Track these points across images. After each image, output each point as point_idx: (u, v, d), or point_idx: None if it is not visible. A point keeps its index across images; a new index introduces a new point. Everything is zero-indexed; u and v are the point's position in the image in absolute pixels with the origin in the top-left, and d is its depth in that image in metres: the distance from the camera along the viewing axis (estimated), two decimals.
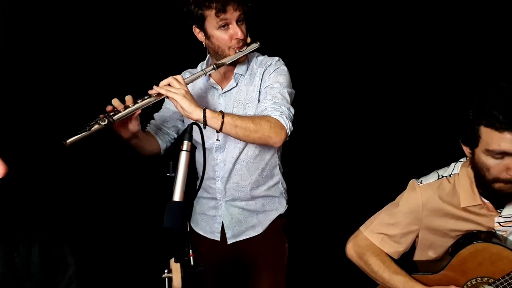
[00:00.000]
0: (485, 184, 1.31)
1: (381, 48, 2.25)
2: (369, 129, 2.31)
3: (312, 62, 2.23)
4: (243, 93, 1.63)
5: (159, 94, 1.43)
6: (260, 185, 1.68)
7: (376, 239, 1.51)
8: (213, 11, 1.47)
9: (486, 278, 1.38)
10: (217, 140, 1.60)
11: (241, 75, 1.63)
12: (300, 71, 1.72)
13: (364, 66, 2.27)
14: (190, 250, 1.20)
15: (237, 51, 1.54)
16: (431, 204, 1.43)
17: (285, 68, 1.62)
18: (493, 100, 1.22)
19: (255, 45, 1.56)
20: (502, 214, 1.38)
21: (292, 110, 1.54)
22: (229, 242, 1.70)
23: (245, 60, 1.63)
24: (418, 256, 1.53)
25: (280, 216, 1.72)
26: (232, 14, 1.49)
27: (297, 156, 2.01)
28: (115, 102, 1.43)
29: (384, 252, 1.50)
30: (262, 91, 1.60)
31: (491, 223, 1.40)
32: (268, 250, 1.70)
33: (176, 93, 1.40)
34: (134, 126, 1.49)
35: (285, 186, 1.76)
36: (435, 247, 1.48)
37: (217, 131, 1.43)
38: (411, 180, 1.50)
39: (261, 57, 1.67)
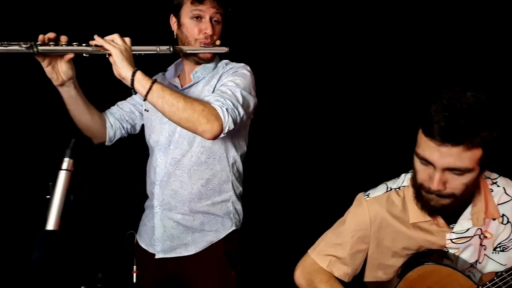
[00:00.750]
0: (417, 189, 1.21)
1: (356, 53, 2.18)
2: (346, 138, 2.21)
3: (277, 67, 2.15)
4: (197, 93, 1.53)
5: (99, 47, 1.34)
6: (203, 198, 1.53)
7: (324, 262, 1.38)
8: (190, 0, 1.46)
9: None
10: (145, 110, 1.49)
11: (203, 76, 1.56)
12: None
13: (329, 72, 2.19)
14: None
15: (202, 45, 1.50)
16: (379, 220, 1.31)
17: (247, 73, 1.51)
18: (439, 100, 1.11)
19: (222, 49, 1.52)
20: (454, 230, 1.27)
21: (241, 111, 1.40)
22: (157, 256, 1.56)
23: (210, 59, 1.56)
24: (368, 277, 1.40)
25: (224, 240, 1.55)
26: (208, 9, 1.48)
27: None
28: (50, 34, 1.34)
29: (334, 279, 1.37)
30: (215, 90, 1.49)
31: (442, 240, 1.28)
32: (205, 277, 1.53)
33: (114, 46, 1.32)
34: (64, 70, 1.39)
35: (237, 207, 1.59)
36: (384, 267, 1.35)
37: (144, 98, 1.33)
38: (359, 194, 1.37)
39: (228, 64, 1.58)
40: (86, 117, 1.54)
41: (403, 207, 1.29)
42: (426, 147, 1.12)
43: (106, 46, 1.32)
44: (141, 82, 1.32)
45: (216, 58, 1.60)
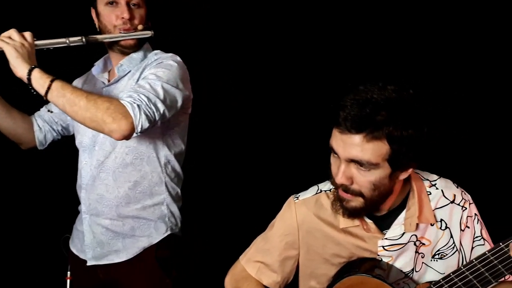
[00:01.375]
0: (335, 188, 1.12)
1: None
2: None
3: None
4: (122, 88, 1.43)
5: None
6: (132, 202, 1.43)
7: (253, 269, 1.28)
8: None
9: None
10: (48, 111, 1.40)
11: (129, 70, 1.45)
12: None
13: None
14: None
15: (122, 32, 1.40)
16: (307, 224, 1.21)
17: (173, 63, 1.39)
18: (348, 96, 1.04)
19: (146, 33, 1.41)
20: (386, 236, 1.16)
21: (160, 107, 1.28)
22: (88, 263, 1.47)
23: (134, 47, 1.44)
24: (302, 286, 1.30)
25: (157, 246, 1.45)
26: None
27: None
28: None
29: (261, 285, 1.27)
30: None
31: (374, 247, 1.17)
32: (137, 283, 1.44)
33: (9, 43, 1.23)
34: None
35: (173, 210, 1.49)
36: (317, 276, 1.24)
37: (43, 98, 1.24)
38: (291, 196, 1.27)
39: (158, 53, 1.47)
40: (7, 122, 1.46)
41: (333, 210, 1.17)
42: (333, 136, 1.05)
43: (0, 44, 1.23)
44: (39, 80, 1.22)
45: (146, 47, 1.49)
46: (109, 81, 1.50)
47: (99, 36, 1.39)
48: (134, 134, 1.26)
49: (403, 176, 1.09)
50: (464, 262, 1.16)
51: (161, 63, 1.38)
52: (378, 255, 1.17)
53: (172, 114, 1.36)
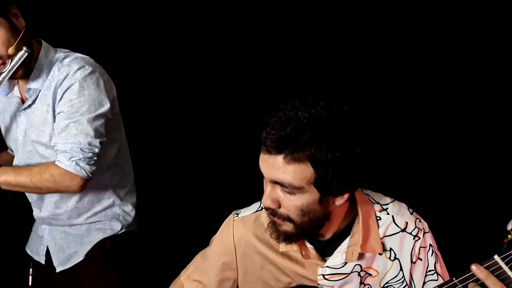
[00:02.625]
0: None
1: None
2: None
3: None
4: (38, 113, 1.35)
5: None
6: (82, 213, 1.43)
7: (190, 287, 1.21)
8: None
9: None
10: (6, 194, 1.35)
11: (39, 89, 1.33)
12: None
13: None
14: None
15: (1, 70, 1.24)
16: (245, 245, 1.13)
17: (88, 83, 1.27)
18: (268, 117, 0.94)
19: (21, 54, 1.23)
20: (328, 264, 1.05)
21: (96, 144, 1.28)
22: (57, 270, 1.47)
23: (24, 72, 1.29)
24: None
25: (105, 239, 1.46)
26: None
27: None
28: None
29: None
30: (56, 116, 1.30)
31: (313, 275, 1.07)
32: (91, 278, 1.45)
33: None
34: None
35: (126, 209, 1.48)
36: None
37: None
38: (233, 212, 1.19)
39: (64, 62, 1.32)
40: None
41: None
42: (260, 157, 0.96)
43: None
44: None
45: (44, 55, 1.32)
46: (22, 99, 1.39)
47: None
48: (90, 179, 1.29)
49: (339, 201, 0.98)
50: None
51: (72, 87, 1.26)
52: (318, 284, 1.07)
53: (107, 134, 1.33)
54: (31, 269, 1.53)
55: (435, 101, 2.01)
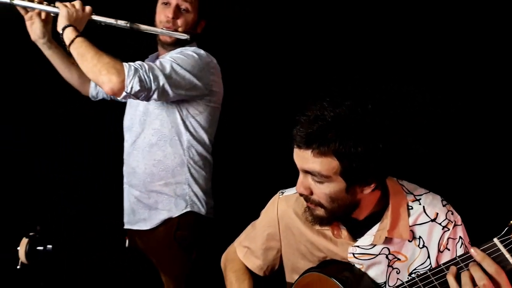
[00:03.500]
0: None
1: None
2: None
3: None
4: None
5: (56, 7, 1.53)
6: (156, 178, 1.60)
7: (241, 252, 1.40)
8: None
9: None
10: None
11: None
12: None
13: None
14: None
15: (163, 28, 1.59)
16: (286, 220, 1.28)
17: (193, 54, 1.54)
18: (299, 115, 1.07)
19: (182, 35, 1.58)
20: (358, 243, 1.16)
21: (161, 79, 1.43)
22: (125, 226, 1.71)
23: (172, 43, 1.62)
24: (287, 278, 1.37)
25: (177, 226, 1.59)
26: None
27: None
28: None
29: (244, 270, 1.38)
30: None
31: (344, 252, 1.18)
32: (159, 253, 1.64)
33: (66, 7, 1.50)
34: (36, 27, 1.59)
35: (196, 190, 1.62)
36: (297, 270, 1.29)
37: (67, 50, 1.48)
38: (279, 191, 1.34)
39: (188, 47, 1.61)
40: (66, 73, 1.74)
41: None
42: (294, 153, 1.09)
43: (59, 6, 1.50)
44: (69, 34, 1.45)
45: (187, 47, 1.61)
46: None
47: (142, 26, 1.57)
48: (124, 93, 1.40)
49: (366, 191, 1.08)
50: None
51: (182, 51, 1.55)
52: (348, 262, 1.18)
53: (181, 95, 1.51)
54: (128, 234, 1.76)
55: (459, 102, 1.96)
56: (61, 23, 1.48)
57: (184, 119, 1.59)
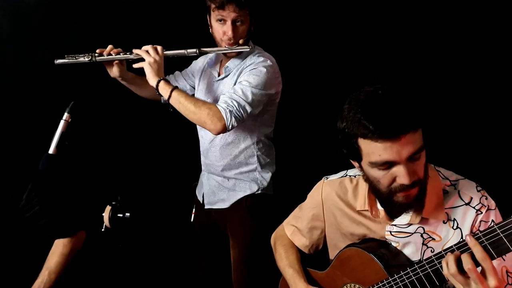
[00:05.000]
0: (383, 198, 1.21)
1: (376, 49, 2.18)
2: None
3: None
4: (226, 85, 1.83)
5: (137, 55, 1.73)
6: (232, 168, 1.85)
7: (289, 230, 1.56)
8: (214, 6, 1.69)
9: (358, 285, 1.30)
10: (170, 110, 1.78)
11: (232, 70, 1.81)
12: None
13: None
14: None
15: (226, 46, 1.73)
16: (330, 202, 1.41)
17: (263, 69, 1.69)
18: (361, 108, 1.11)
19: (244, 48, 1.72)
20: (395, 222, 1.27)
21: (248, 109, 1.64)
22: (206, 207, 1.95)
23: (235, 55, 1.80)
24: (331, 255, 1.50)
25: (248, 196, 1.85)
26: (229, 14, 1.67)
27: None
28: (108, 48, 1.75)
29: (292, 245, 1.54)
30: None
31: (382, 231, 1.29)
32: (234, 224, 1.88)
33: (146, 59, 1.68)
34: (115, 71, 1.79)
35: (264, 175, 1.86)
36: (339, 248, 1.41)
37: (167, 101, 1.67)
38: (324, 176, 1.49)
39: (255, 56, 1.77)
40: (141, 92, 1.95)
41: (353, 194, 1.34)
42: (382, 150, 1.10)
43: (144, 57, 1.68)
44: (163, 90, 1.65)
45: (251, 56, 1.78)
46: (218, 74, 1.87)
47: (208, 49, 1.74)
48: (227, 131, 1.64)
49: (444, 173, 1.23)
50: None
51: (254, 70, 1.70)
52: (386, 239, 1.29)
53: (260, 109, 1.71)
54: (194, 209, 2.05)
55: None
56: (152, 80, 1.67)
57: (255, 119, 1.79)
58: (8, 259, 1.53)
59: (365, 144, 1.12)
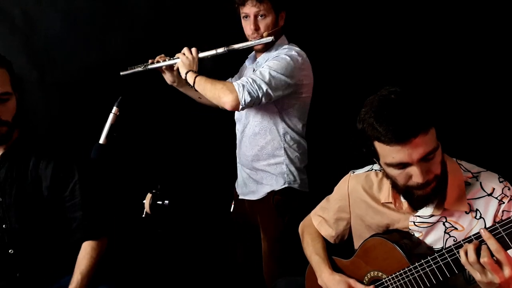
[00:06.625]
0: (403, 191, 1.29)
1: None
2: None
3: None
4: None
5: (178, 57, 1.88)
6: (260, 159, 1.92)
7: (316, 221, 1.64)
8: (237, 4, 1.83)
9: (380, 273, 1.36)
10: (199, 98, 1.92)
11: (262, 63, 1.86)
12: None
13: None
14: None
15: (251, 39, 1.84)
16: (355, 194, 1.48)
17: (286, 57, 1.75)
18: (374, 112, 1.18)
19: (267, 39, 1.80)
20: (418, 213, 1.33)
21: (263, 86, 1.68)
22: (240, 196, 2.05)
23: (266, 47, 1.87)
24: (355, 245, 1.57)
25: (274, 192, 1.91)
26: (250, 9, 1.78)
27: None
28: (157, 57, 1.95)
29: (319, 234, 1.61)
30: None
31: (406, 222, 1.36)
32: (262, 217, 1.95)
33: (181, 58, 1.86)
34: (167, 77, 1.98)
35: (292, 169, 1.90)
36: (365, 238, 1.49)
37: (193, 87, 1.81)
38: (351, 170, 1.56)
39: (282, 49, 1.84)
40: (201, 100, 2.07)
41: (378, 187, 1.41)
42: (394, 153, 1.17)
43: (179, 56, 1.86)
44: (190, 78, 1.81)
45: (279, 43, 1.86)
46: (254, 70, 1.90)
47: (235, 46, 1.84)
48: (241, 106, 1.69)
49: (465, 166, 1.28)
50: None
51: (277, 57, 1.77)
52: (410, 230, 1.35)
53: (280, 95, 1.75)
54: (234, 201, 2.15)
55: None
56: (182, 72, 1.85)
57: (280, 111, 1.87)
58: (61, 239, 1.65)
59: (379, 147, 1.20)
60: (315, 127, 2.03)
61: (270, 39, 1.80)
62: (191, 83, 1.81)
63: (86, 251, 1.61)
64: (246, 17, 1.83)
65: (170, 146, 2.29)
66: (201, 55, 1.87)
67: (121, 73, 1.97)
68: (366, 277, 1.41)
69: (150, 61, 1.95)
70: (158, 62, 1.94)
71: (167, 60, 1.94)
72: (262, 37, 1.82)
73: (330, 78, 2.22)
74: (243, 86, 1.69)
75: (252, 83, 1.70)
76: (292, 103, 1.87)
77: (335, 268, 1.50)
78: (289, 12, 1.91)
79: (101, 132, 1.49)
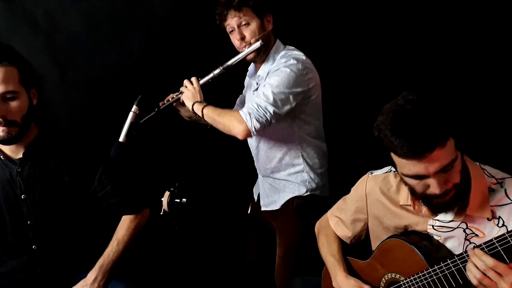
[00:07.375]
0: (421, 198, 1.27)
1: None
2: None
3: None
4: None
5: (182, 92, 1.87)
6: (281, 170, 1.90)
7: (332, 221, 1.63)
8: (221, 21, 1.80)
9: (398, 275, 1.35)
10: (207, 127, 1.90)
11: (262, 77, 1.83)
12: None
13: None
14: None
15: (241, 50, 1.80)
16: (373, 196, 1.46)
17: (285, 69, 1.70)
18: (390, 124, 1.16)
19: (255, 45, 1.76)
20: (438, 217, 1.31)
21: (270, 109, 1.66)
22: (262, 208, 2.03)
23: (256, 58, 1.82)
24: (373, 246, 1.56)
25: (295, 196, 1.88)
26: (232, 20, 1.76)
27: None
28: (168, 96, 1.93)
29: (334, 235, 1.61)
30: None
31: (424, 225, 1.34)
32: (281, 220, 1.94)
33: (184, 92, 1.85)
34: (183, 113, 1.96)
35: (313, 176, 1.87)
36: (382, 239, 1.48)
37: (202, 118, 1.79)
38: (369, 171, 1.54)
39: (280, 59, 1.77)
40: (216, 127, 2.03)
41: (397, 188, 1.39)
42: (411, 166, 1.16)
43: (182, 89, 1.85)
44: (197, 110, 1.79)
45: (274, 50, 1.81)
46: (257, 84, 1.90)
47: (229, 62, 1.81)
48: (253, 134, 1.68)
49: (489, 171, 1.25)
50: None
51: (277, 71, 1.71)
52: (428, 233, 1.33)
53: (289, 108, 1.71)
54: (251, 203, 2.16)
55: None
56: (188, 105, 1.82)
57: (292, 119, 1.81)
58: (83, 235, 1.70)
59: (395, 158, 1.19)
60: (334, 128, 2.02)
61: (258, 44, 1.77)
62: (200, 115, 1.79)
63: (124, 221, 1.72)
64: (232, 31, 1.80)
65: (189, 145, 2.31)
66: (202, 81, 1.86)
67: (141, 121, 1.84)
68: (383, 279, 1.40)
69: (160, 103, 1.93)
70: (168, 101, 1.92)
71: (174, 96, 1.91)
72: (250, 44, 1.78)
73: (347, 78, 2.21)
74: (250, 114, 1.67)
75: (258, 109, 1.67)
76: (302, 109, 1.81)
77: (351, 270, 1.49)
78: (289, 13, 1.89)
79: (121, 130, 1.51)
